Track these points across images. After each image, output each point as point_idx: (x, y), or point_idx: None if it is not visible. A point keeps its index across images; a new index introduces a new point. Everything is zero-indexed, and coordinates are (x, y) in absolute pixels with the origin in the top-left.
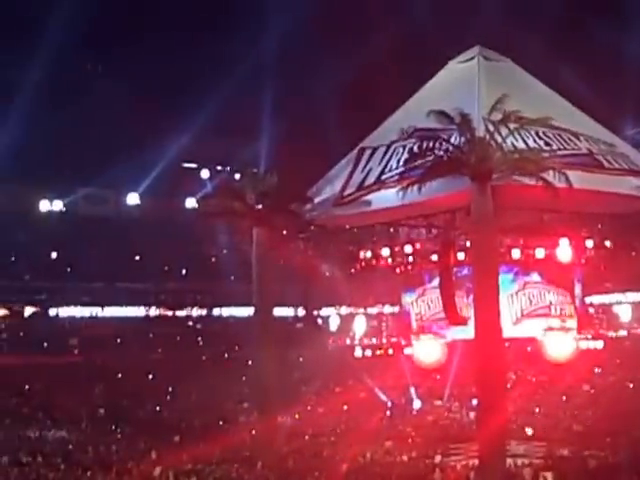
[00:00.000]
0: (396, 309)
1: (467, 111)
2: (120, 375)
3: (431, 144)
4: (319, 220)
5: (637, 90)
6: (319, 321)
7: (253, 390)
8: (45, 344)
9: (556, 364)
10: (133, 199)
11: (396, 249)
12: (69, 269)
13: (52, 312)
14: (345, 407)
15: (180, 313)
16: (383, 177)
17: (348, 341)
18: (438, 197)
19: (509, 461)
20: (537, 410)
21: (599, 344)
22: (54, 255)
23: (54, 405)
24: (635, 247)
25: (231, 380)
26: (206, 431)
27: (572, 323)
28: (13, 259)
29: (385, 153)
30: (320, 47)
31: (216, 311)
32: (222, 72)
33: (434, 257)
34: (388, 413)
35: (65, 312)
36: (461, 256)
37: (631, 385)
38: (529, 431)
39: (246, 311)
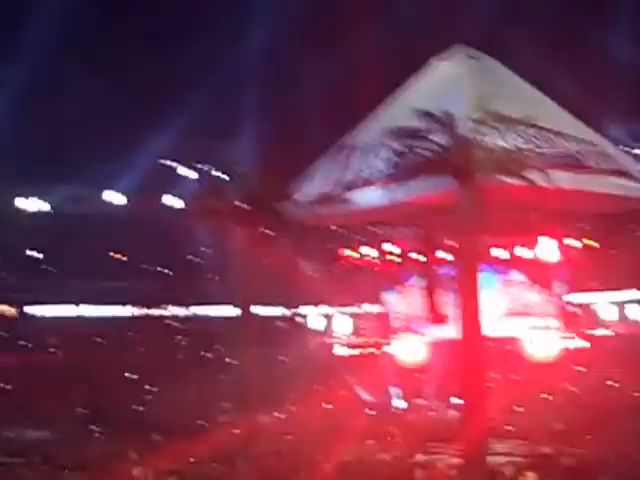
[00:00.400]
0: (377, 308)
1: (451, 110)
2: (100, 374)
3: (414, 143)
4: (301, 218)
5: (622, 90)
6: (300, 320)
7: (234, 389)
8: (25, 343)
9: (539, 363)
10: (115, 197)
11: (377, 248)
12: (50, 268)
13: (32, 311)
14: (327, 406)
15: (161, 312)
16: (365, 176)
17: (329, 340)
18: (421, 196)
19: (491, 459)
20: (519, 409)
21: (582, 343)
22: (35, 254)
23: (33, 405)
24: (619, 246)
25: (212, 379)
26: (186, 431)
27: (555, 322)
28: None
29: (367, 152)
30: (302, 46)
31: (197, 310)
32: (205, 71)
33: (416, 256)
34: (369, 412)
35: (45, 311)
36: (443, 255)
37: (613, 384)
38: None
39: (227, 310)
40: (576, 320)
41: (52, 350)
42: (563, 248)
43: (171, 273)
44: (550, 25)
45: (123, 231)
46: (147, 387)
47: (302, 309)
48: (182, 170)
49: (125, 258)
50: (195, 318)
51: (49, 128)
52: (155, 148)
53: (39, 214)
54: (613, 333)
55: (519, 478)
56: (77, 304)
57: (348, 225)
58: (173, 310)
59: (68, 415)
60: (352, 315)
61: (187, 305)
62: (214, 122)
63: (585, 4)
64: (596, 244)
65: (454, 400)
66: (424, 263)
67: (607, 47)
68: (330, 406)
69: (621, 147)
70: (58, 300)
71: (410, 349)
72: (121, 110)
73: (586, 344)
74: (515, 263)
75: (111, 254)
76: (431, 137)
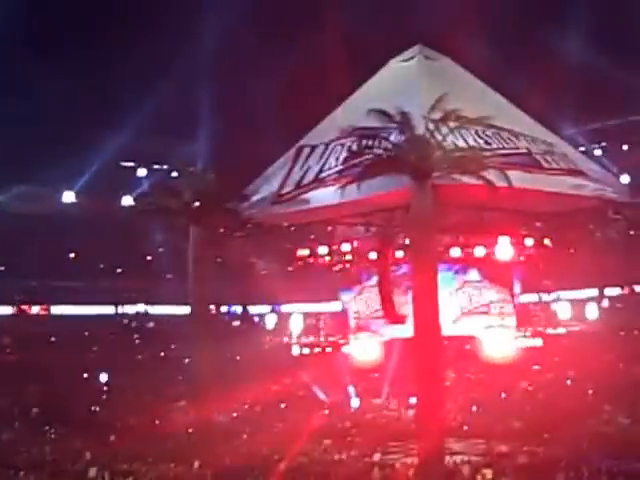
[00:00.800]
0: (334, 307)
1: (407, 110)
2: (54, 374)
3: (371, 142)
4: (257, 218)
5: (577, 91)
6: (256, 319)
7: (189, 388)
8: None
9: (495, 362)
10: (69, 197)
11: (334, 247)
12: (3, 267)
13: None
14: (283, 405)
15: (116, 311)
16: (322, 175)
17: (285, 339)
18: (377, 195)
19: (448, 458)
20: (476, 407)
21: (538, 342)
22: None
23: None
24: (573, 245)
25: (167, 379)
26: (142, 430)
27: (511, 321)
28: None
29: (324, 151)
30: (258, 46)
31: (152, 309)
32: (160, 71)
33: (372, 255)
34: (326, 411)
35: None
36: (400, 254)
37: (569, 382)
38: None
39: (182, 309)
40: (534, 319)
41: (5, 349)
42: (521, 247)
43: (126, 272)
44: (506, 26)
45: (77, 230)
46: (102, 386)
47: (259, 308)
48: (137, 169)
49: (80, 257)
50: (150, 317)
51: (2, 128)
52: (110, 148)
53: None
54: (569, 331)
55: (476, 477)
56: (31, 303)
57: (305, 224)
58: (128, 309)
59: (22, 415)
60: (309, 314)
61: (142, 303)
62: (170, 122)
63: (542, 6)
64: (553, 243)
65: (412, 399)
66: (382, 262)
67: (563, 49)
68: (287, 405)
69: (578, 148)
70: (12, 299)
71: (368, 348)
72: (75, 109)
73: (542, 342)
74: (473, 262)
75: (65, 253)
76: (388, 137)
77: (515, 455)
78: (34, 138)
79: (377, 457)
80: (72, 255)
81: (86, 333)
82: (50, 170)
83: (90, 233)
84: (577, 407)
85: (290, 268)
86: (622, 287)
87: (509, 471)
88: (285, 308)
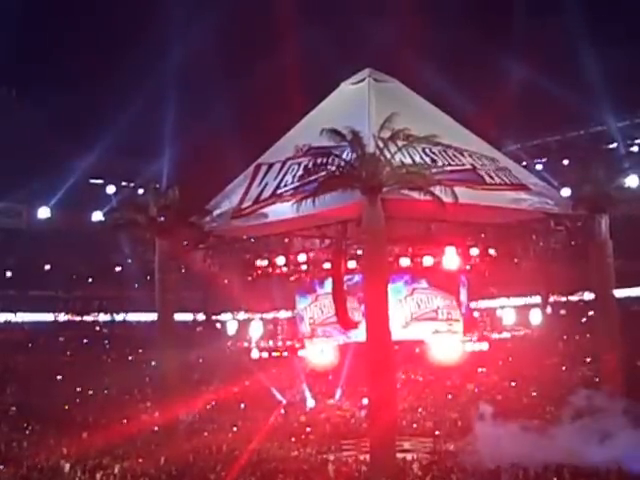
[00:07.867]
0: (291, 314)
1: (358, 129)
2: (31, 376)
3: (324, 160)
4: (218, 231)
5: (518, 109)
6: (218, 325)
7: (155, 390)
8: None
9: (443, 365)
10: (44, 213)
11: (291, 258)
12: None
13: None
14: (242, 405)
15: (88, 318)
16: (279, 191)
17: (245, 344)
18: (331, 209)
19: (398, 456)
20: (424, 408)
21: (483, 346)
22: None
23: None
24: (516, 254)
25: (135, 380)
26: (112, 428)
27: (458, 326)
28: None
29: (281, 169)
30: (219, 69)
31: (121, 316)
32: (127, 95)
33: (327, 265)
34: (283, 411)
35: None
36: (352, 264)
37: (512, 384)
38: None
39: (149, 316)
40: (480, 324)
41: None
42: (466, 257)
43: (98, 281)
44: (451, 49)
45: (52, 243)
46: (75, 387)
47: (220, 315)
48: (106, 187)
49: (54, 268)
50: (120, 323)
51: None
52: (81, 167)
53: None
54: (513, 336)
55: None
56: (9, 311)
57: (264, 237)
58: (99, 316)
59: (1, 413)
60: (268, 321)
61: (112, 311)
62: (136, 142)
63: (483, 28)
64: (498, 253)
65: (364, 400)
66: (336, 272)
67: (506, 69)
68: (247, 405)
69: (520, 163)
70: None
71: (323, 352)
72: (49, 132)
73: (488, 347)
74: (422, 271)
75: (41, 264)
76: (341, 155)
77: (461, 454)
78: (13, 159)
79: (331, 454)
80: (48, 266)
81: (60, 338)
82: (27, 188)
83: (64, 246)
84: (521, 408)
85: (250, 278)
86: (564, 294)
87: (456, 469)
88: (245, 315)
